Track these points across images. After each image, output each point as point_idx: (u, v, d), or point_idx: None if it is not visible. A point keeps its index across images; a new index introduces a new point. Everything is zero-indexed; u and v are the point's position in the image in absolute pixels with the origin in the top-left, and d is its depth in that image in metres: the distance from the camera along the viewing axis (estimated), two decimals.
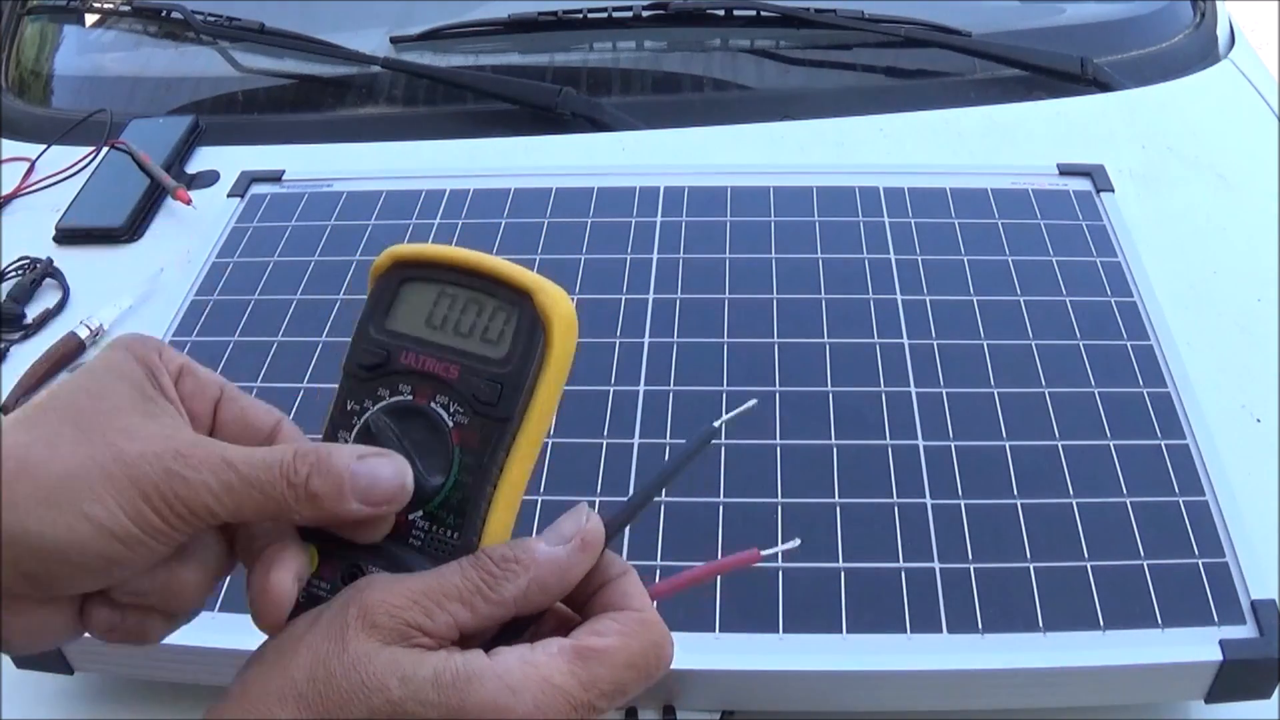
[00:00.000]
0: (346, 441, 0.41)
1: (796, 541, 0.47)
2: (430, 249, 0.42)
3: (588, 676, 0.37)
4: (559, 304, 0.40)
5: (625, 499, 0.43)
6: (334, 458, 0.38)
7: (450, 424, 0.40)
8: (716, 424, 0.44)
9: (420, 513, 0.40)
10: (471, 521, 0.39)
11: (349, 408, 0.42)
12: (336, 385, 0.42)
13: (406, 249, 0.42)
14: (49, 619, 0.38)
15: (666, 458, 0.68)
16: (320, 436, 0.42)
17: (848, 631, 0.59)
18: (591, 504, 0.41)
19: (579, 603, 0.40)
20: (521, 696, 0.35)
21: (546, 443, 0.69)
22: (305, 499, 0.38)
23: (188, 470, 0.37)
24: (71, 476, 0.36)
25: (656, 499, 0.65)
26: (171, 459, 0.37)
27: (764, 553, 0.45)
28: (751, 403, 0.47)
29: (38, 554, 0.35)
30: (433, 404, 0.40)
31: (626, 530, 0.64)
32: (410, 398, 0.41)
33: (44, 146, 1.12)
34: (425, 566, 0.39)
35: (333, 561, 0.40)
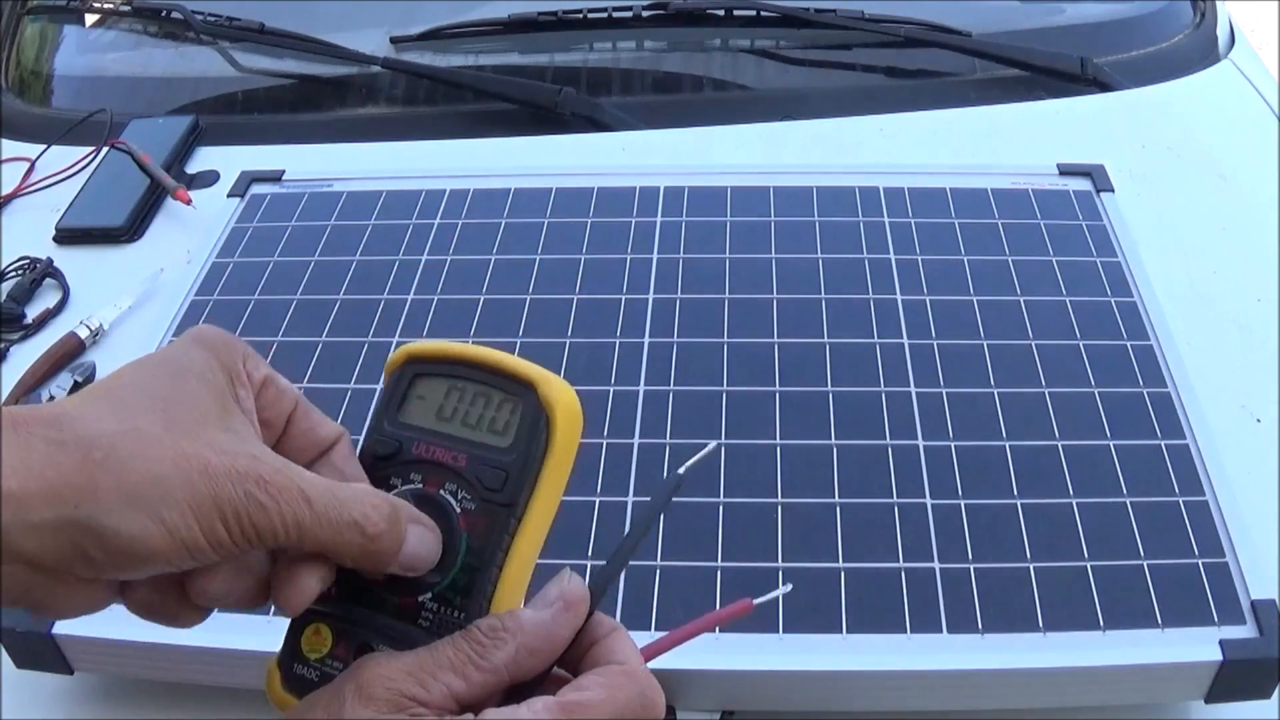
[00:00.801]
0: None
1: (789, 587, 0.48)
2: (441, 346, 0.44)
3: None
4: (562, 394, 0.42)
5: (610, 556, 0.44)
6: (403, 521, 0.40)
7: (458, 510, 0.42)
8: (681, 470, 0.47)
9: (429, 595, 0.41)
10: (477, 603, 0.41)
11: None
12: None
13: (420, 346, 0.44)
14: (91, 595, 0.39)
15: (666, 460, 0.68)
16: None
17: (848, 631, 0.59)
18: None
19: (573, 664, 0.41)
20: None
21: None
22: (367, 551, 0.39)
23: (267, 498, 0.37)
24: (157, 480, 0.36)
25: (761, 598, 0.65)
26: (254, 484, 0.37)
27: (756, 601, 0.46)
28: (712, 445, 0.50)
29: (105, 545, 0.35)
30: (442, 491, 0.42)
31: (626, 530, 0.64)
32: (421, 485, 0.42)
33: (44, 146, 1.12)
34: None
35: (344, 640, 0.42)
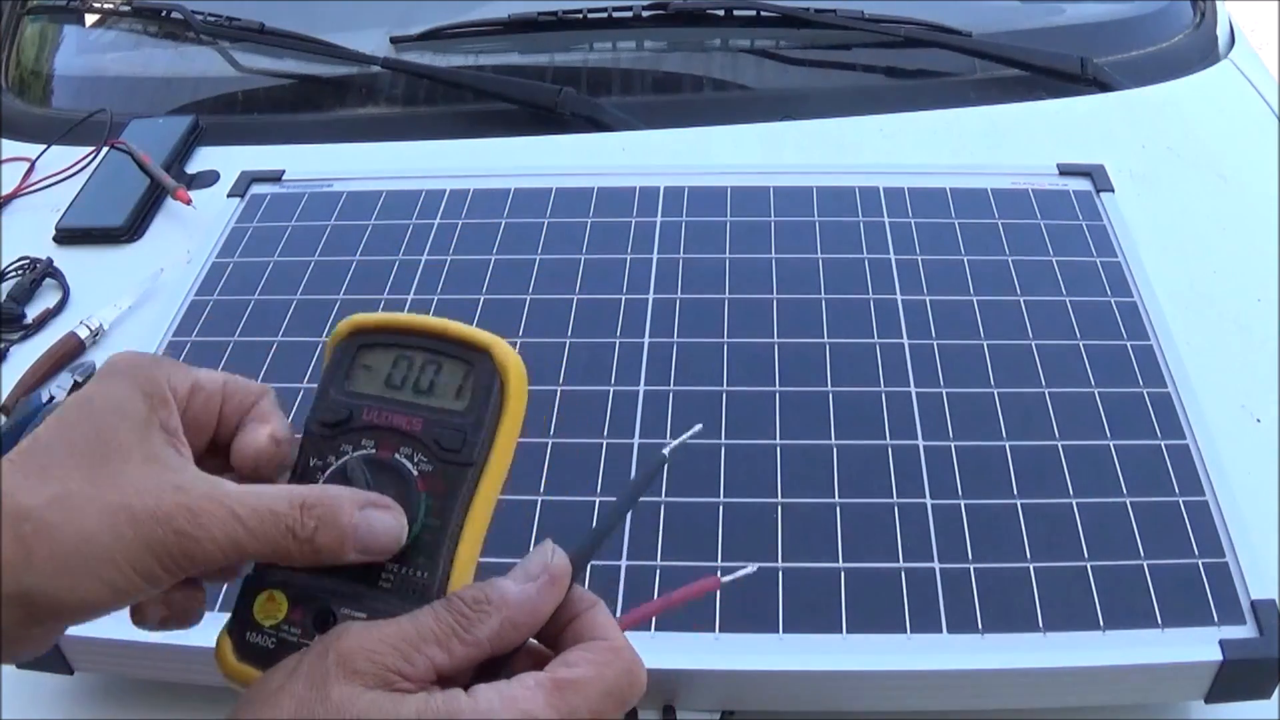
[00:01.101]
0: None
1: (753, 567, 0.48)
2: (386, 317, 0.45)
3: (566, 708, 0.38)
4: (513, 358, 0.43)
5: (590, 530, 0.45)
6: (340, 514, 0.40)
7: (416, 472, 0.42)
8: (665, 450, 0.47)
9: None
10: (441, 562, 0.41)
11: (312, 464, 0.43)
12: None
13: (364, 318, 0.45)
14: (43, 636, 0.40)
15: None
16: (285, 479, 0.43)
17: (848, 631, 0.59)
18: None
19: (550, 637, 0.41)
20: None
21: (546, 442, 0.69)
22: (309, 552, 0.40)
23: (198, 530, 0.38)
24: (88, 541, 0.37)
25: (657, 500, 0.65)
26: (183, 519, 0.38)
27: (724, 580, 0.47)
28: (697, 427, 0.50)
29: (49, 608, 0.38)
30: (397, 455, 0.42)
31: (626, 532, 0.64)
32: (374, 450, 0.43)
33: (44, 146, 1.12)
34: (399, 608, 0.40)
35: (301, 605, 0.41)
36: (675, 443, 0.47)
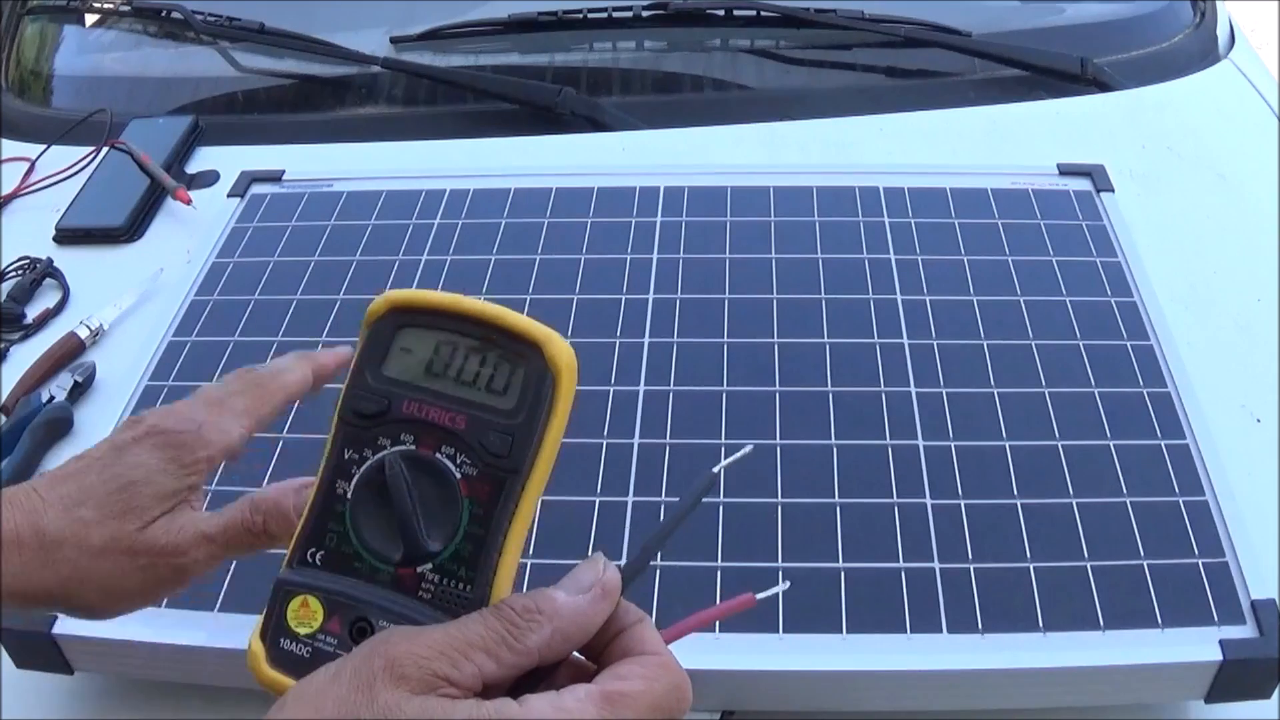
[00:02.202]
0: (346, 492, 0.41)
1: (787, 584, 0.49)
2: (429, 295, 0.42)
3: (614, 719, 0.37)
4: (566, 355, 0.40)
5: (641, 547, 0.44)
6: (279, 504, 0.50)
7: (459, 475, 0.40)
8: (715, 469, 0.46)
9: (430, 565, 0.40)
10: (484, 573, 0.39)
11: (347, 456, 0.41)
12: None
13: (404, 294, 0.42)
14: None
15: (666, 460, 0.68)
16: (316, 479, 0.42)
17: (848, 631, 0.59)
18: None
19: (595, 650, 0.41)
20: None
21: None
22: (266, 539, 0.50)
23: (186, 559, 0.49)
24: (104, 580, 0.48)
25: (657, 500, 0.65)
26: (174, 555, 0.49)
27: (758, 596, 0.46)
28: (749, 446, 0.49)
29: (85, 609, 0.49)
30: (439, 454, 0.40)
31: (626, 531, 0.64)
32: (414, 447, 0.40)
33: (44, 146, 1.12)
34: (437, 619, 0.39)
35: (338, 615, 0.40)
36: (727, 462, 0.47)
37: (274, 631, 0.41)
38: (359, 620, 0.40)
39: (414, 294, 0.42)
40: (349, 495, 0.41)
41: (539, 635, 0.38)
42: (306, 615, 0.40)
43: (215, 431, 0.51)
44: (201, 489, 0.51)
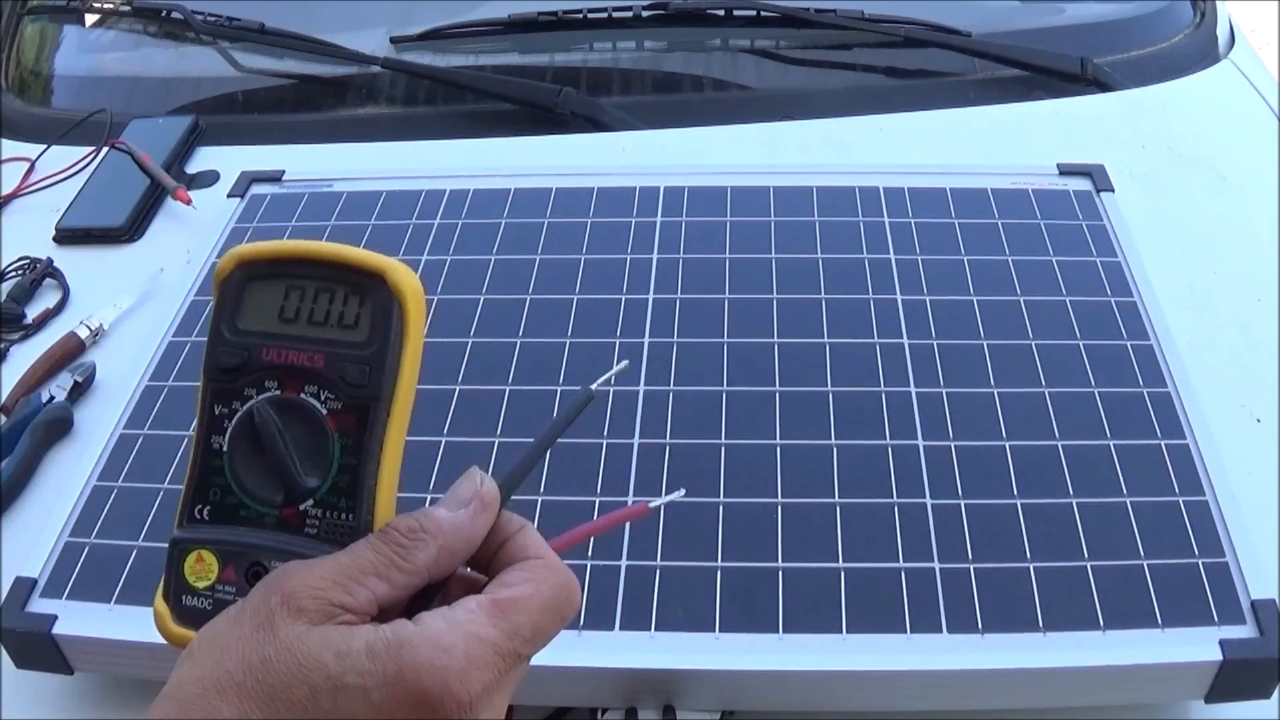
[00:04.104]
0: (222, 445, 0.42)
1: (682, 491, 0.49)
2: (271, 245, 0.43)
3: (509, 626, 0.38)
4: (409, 280, 0.42)
5: (520, 457, 0.44)
6: None
7: (324, 411, 0.41)
8: (593, 386, 0.47)
9: (311, 501, 0.41)
10: (363, 500, 0.41)
11: (217, 412, 0.42)
12: (200, 388, 0.43)
13: (247, 248, 0.43)
14: None
15: (666, 460, 0.68)
16: (192, 438, 0.43)
17: (848, 631, 0.59)
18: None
19: (482, 562, 0.42)
20: (453, 654, 0.37)
21: None
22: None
23: None
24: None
25: (657, 500, 0.65)
26: None
27: (651, 504, 0.47)
28: (624, 363, 0.50)
29: None
30: (303, 394, 0.41)
31: (626, 533, 0.64)
32: (279, 391, 0.42)
33: (44, 146, 1.12)
34: (327, 552, 0.40)
35: (232, 563, 0.41)
36: (603, 379, 0.47)
37: (175, 590, 0.42)
38: (253, 565, 0.41)
39: (258, 246, 0.43)
40: (225, 448, 0.42)
41: (426, 553, 0.39)
42: (203, 569, 0.42)
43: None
44: None
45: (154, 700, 0.40)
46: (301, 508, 0.41)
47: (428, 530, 0.40)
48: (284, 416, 0.41)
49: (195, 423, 0.43)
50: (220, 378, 0.42)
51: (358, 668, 0.36)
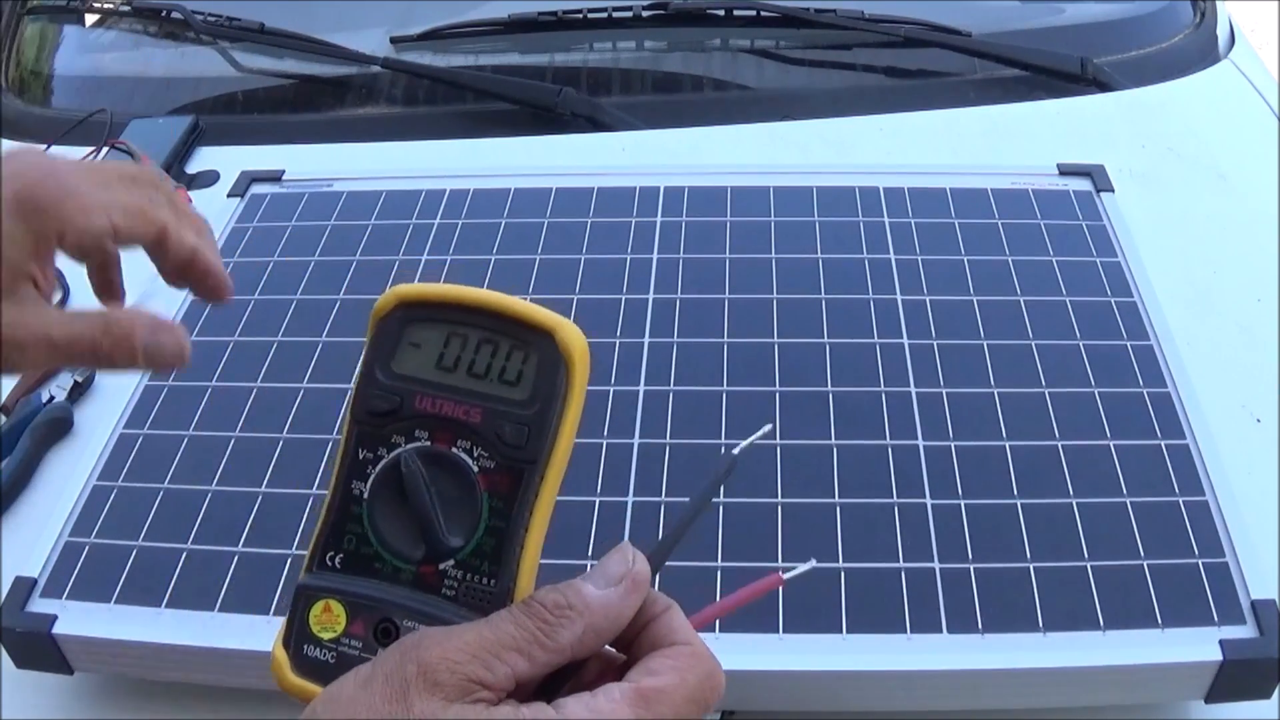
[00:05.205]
0: (363, 493, 0.41)
1: (813, 562, 0.48)
2: (436, 288, 0.41)
3: (651, 717, 0.37)
4: (578, 341, 0.40)
5: (668, 531, 0.43)
6: (129, 337, 0.46)
7: (476, 469, 0.40)
8: (736, 451, 0.45)
9: (452, 562, 0.40)
10: (507, 566, 0.39)
11: (362, 456, 0.41)
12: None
13: (411, 289, 0.41)
14: None
15: (666, 460, 0.68)
16: (331, 480, 0.42)
17: (848, 631, 0.59)
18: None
19: (624, 642, 0.40)
20: None
21: None
22: (107, 365, 0.46)
23: (22, 356, 0.44)
24: None
25: (657, 500, 0.65)
26: (11, 347, 0.44)
27: (786, 576, 0.46)
28: (767, 427, 0.49)
29: None
30: (455, 449, 0.40)
31: (626, 531, 0.64)
32: (429, 443, 0.40)
33: (44, 147, 1.12)
34: (464, 616, 0.39)
35: (361, 618, 0.40)
36: (745, 443, 0.46)
37: (297, 638, 0.40)
38: (383, 621, 0.39)
39: (421, 288, 0.41)
40: (366, 495, 0.41)
41: (571, 632, 0.38)
42: (329, 620, 0.40)
43: (79, 212, 0.45)
44: (53, 276, 0.47)
45: None
46: (441, 567, 0.39)
47: (574, 608, 0.38)
48: (432, 470, 0.40)
49: (337, 465, 0.41)
50: (369, 421, 0.41)
51: None
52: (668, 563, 0.62)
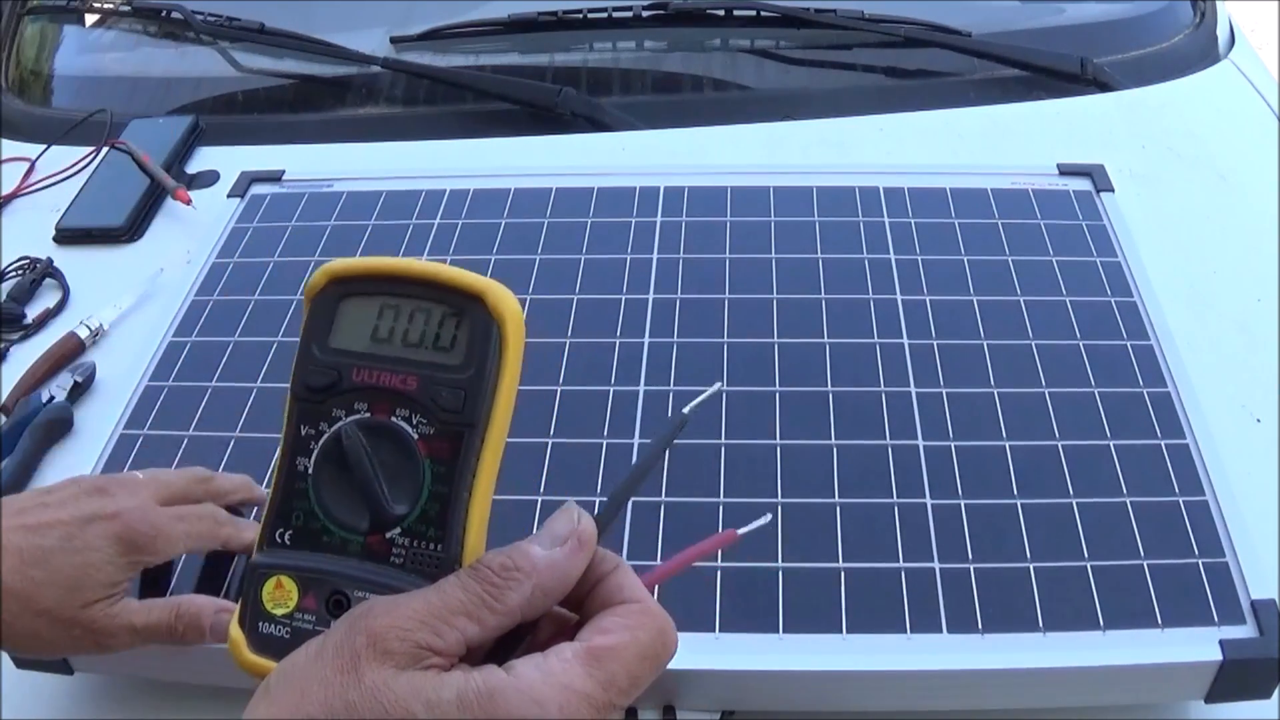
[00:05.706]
0: (307, 468, 0.41)
1: (767, 518, 0.48)
2: (366, 262, 0.42)
3: (605, 676, 0.37)
4: (508, 302, 0.40)
5: (612, 491, 0.43)
6: (199, 619, 0.57)
7: (416, 436, 0.40)
8: (686, 410, 0.45)
9: (398, 530, 0.40)
10: (453, 531, 0.39)
11: (304, 432, 0.41)
12: (285, 406, 0.42)
13: (341, 264, 0.42)
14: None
15: (666, 459, 0.68)
16: (276, 459, 0.42)
17: (848, 631, 0.59)
18: (583, 503, 0.41)
19: (574, 602, 0.40)
20: (546, 706, 0.35)
21: (546, 443, 0.69)
22: (181, 643, 0.57)
23: (112, 642, 0.56)
24: (38, 633, 0.55)
25: (657, 500, 0.65)
26: (103, 636, 0.56)
27: (740, 531, 0.46)
28: (717, 385, 0.49)
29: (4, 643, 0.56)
30: (394, 417, 0.40)
31: (626, 532, 0.64)
32: (369, 414, 0.40)
33: (44, 146, 1.12)
34: (413, 583, 0.39)
35: (312, 590, 0.40)
36: (696, 402, 0.46)
37: (251, 616, 0.40)
38: (335, 593, 0.40)
39: (351, 262, 0.42)
40: (310, 471, 0.41)
41: (519, 593, 0.38)
42: (281, 595, 0.40)
43: (166, 544, 0.57)
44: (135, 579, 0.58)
45: None
46: (388, 536, 0.40)
47: (521, 569, 0.38)
48: (373, 440, 0.40)
49: (280, 443, 0.41)
50: (308, 397, 0.41)
51: (447, 718, 0.35)
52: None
